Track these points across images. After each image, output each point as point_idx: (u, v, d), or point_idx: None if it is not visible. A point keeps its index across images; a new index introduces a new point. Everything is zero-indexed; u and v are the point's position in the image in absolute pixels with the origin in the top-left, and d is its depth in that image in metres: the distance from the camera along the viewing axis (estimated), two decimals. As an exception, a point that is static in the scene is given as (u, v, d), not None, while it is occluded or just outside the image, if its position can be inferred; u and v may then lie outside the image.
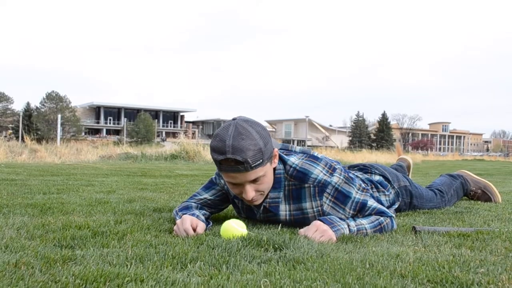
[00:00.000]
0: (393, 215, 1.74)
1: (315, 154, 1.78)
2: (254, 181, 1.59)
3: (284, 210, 1.74)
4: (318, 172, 1.68)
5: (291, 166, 1.70)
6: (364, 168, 2.21)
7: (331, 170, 1.71)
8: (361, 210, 1.71)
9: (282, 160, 1.72)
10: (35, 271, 1.07)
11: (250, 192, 1.61)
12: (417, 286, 1.04)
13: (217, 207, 1.93)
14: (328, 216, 1.64)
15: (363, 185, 1.80)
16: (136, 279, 1.03)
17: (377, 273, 1.12)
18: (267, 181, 1.64)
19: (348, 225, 1.61)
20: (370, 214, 1.71)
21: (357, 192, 1.71)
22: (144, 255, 1.25)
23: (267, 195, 1.72)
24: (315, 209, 1.71)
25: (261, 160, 1.54)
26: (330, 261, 1.23)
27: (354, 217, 1.72)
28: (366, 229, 1.65)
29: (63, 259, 1.18)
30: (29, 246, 1.33)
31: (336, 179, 1.69)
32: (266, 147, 1.55)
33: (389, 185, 2.12)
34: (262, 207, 1.75)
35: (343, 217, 1.70)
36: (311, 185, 1.68)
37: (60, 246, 1.37)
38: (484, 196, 2.87)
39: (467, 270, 1.17)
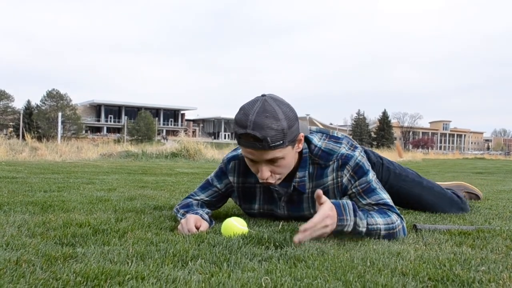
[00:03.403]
0: (402, 216, 1.63)
1: (335, 134, 1.78)
2: (271, 161, 1.55)
3: (308, 187, 1.75)
4: (341, 149, 1.71)
5: (315, 146, 1.71)
6: None
7: (353, 147, 1.74)
8: (366, 191, 1.66)
9: (306, 140, 1.71)
10: (36, 268, 1.07)
11: (265, 172, 1.57)
12: (418, 284, 1.03)
13: (215, 205, 1.93)
14: (345, 202, 1.51)
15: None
16: (137, 276, 1.03)
17: (378, 271, 1.12)
18: (285, 165, 1.59)
19: (356, 224, 1.48)
20: (377, 204, 1.63)
21: (373, 176, 1.70)
22: (145, 252, 1.25)
23: (295, 174, 1.71)
24: (334, 181, 1.71)
25: (281, 142, 1.49)
26: (331, 259, 1.23)
27: (366, 206, 1.64)
28: (380, 230, 1.53)
29: (64, 257, 1.18)
30: (30, 243, 1.33)
31: (357, 153, 1.70)
32: (290, 129, 1.50)
33: None
34: (292, 187, 1.73)
35: (350, 191, 1.68)
36: (335, 160, 1.69)
37: (61, 243, 1.37)
38: (470, 195, 2.81)
39: (468, 268, 1.17)
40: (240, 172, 1.82)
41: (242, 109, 1.51)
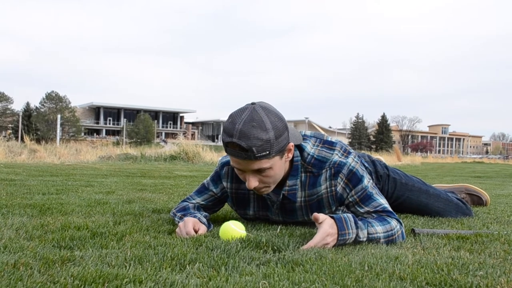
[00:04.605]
0: (401, 221, 1.65)
1: (329, 139, 1.76)
2: (258, 171, 1.54)
3: (300, 196, 1.73)
4: (334, 156, 1.68)
5: (308, 154, 1.69)
6: None
7: (346, 153, 1.71)
8: (363, 199, 1.66)
9: (299, 147, 1.70)
10: (33, 271, 1.07)
11: (252, 182, 1.56)
12: (416, 288, 1.04)
13: (211, 209, 1.92)
14: (345, 216, 1.52)
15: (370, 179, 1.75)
16: (135, 280, 1.02)
17: (376, 275, 1.12)
18: (273, 175, 1.58)
19: (357, 235, 1.50)
20: (376, 211, 1.64)
21: (368, 181, 1.69)
22: (143, 256, 1.25)
23: (286, 183, 1.69)
24: (328, 189, 1.69)
25: (267, 152, 1.48)
26: (329, 263, 1.23)
27: (364, 215, 1.64)
28: (380, 238, 1.56)
29: (62, 260, 1.18)
30: (28, 246, 1.33)
31: (351, 160, 1.68)
32: (277, 139, 1.49)
33: None
34: (281, 195, 1.72)
35: (348, 201, 1.67)
36: (327, 168, 1.67)
37: (59, 246, 1.37)
38: (472, 197, 2.76)
39: (466, 273, 1.17)
40: (233, 178, 1.81)
41: (231, 117, 1.50)
